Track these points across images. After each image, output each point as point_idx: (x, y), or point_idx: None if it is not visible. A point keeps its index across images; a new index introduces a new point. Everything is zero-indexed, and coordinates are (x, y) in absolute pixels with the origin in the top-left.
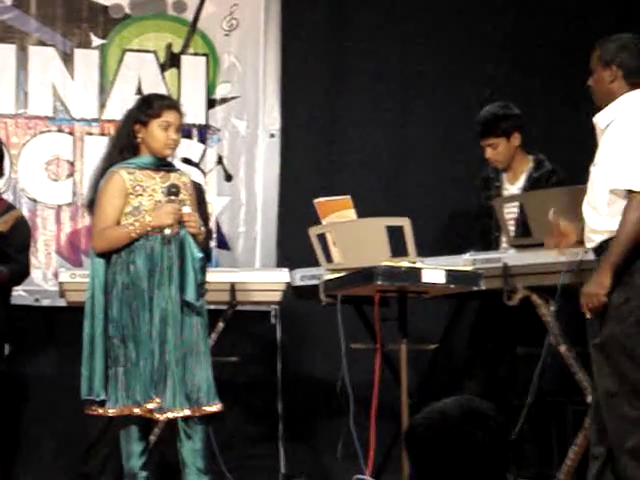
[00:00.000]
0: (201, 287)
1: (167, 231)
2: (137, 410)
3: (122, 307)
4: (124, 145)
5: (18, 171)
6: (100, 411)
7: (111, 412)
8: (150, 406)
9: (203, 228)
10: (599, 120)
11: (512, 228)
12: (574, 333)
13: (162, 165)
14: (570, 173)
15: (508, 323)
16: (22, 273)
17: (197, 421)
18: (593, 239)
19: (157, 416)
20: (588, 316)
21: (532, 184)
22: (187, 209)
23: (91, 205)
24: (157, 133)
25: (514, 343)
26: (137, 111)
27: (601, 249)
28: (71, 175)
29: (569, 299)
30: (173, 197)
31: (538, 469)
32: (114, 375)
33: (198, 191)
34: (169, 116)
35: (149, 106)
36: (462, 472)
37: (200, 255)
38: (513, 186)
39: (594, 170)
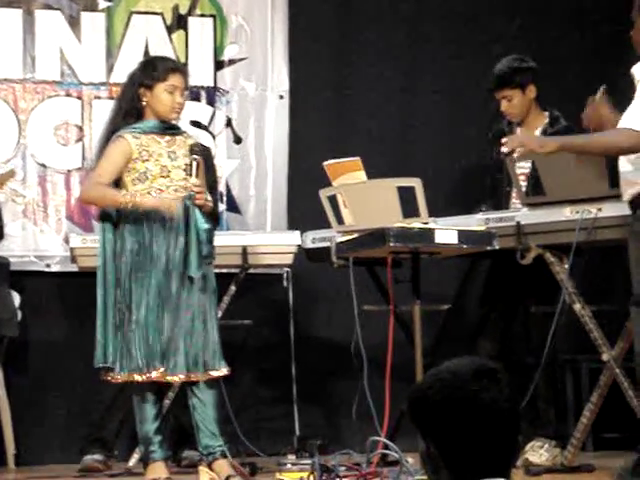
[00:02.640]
0: (207, 257)
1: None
2: (142, 377)
3: (130, 273)
4: (128, 109)
5: (27, 136)
6: (116, 378)
7: (118, 378)
8: (154, 374)
9: (209, 198)
10: (636, 72)
11: (523, 184)
12: (588, 291)
13: (167, 129)
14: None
15: (521, 282)
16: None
17: (207, 385)
18: (628, 192)
19: (168, 379)
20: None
21: None
22: (194, 180)
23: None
24: (163, 97)
25: (527, 302)
26: (141, 74)
27: (636, 202)
28: (80, 140)
29: (583, 256)
30: (195, 156)
31: (554, 428)
32: (121, 342)
33: (207, 155)
34: (175, 79)
35: (154, 69)
36: (483, 431)
37: (206, 226)
38: None
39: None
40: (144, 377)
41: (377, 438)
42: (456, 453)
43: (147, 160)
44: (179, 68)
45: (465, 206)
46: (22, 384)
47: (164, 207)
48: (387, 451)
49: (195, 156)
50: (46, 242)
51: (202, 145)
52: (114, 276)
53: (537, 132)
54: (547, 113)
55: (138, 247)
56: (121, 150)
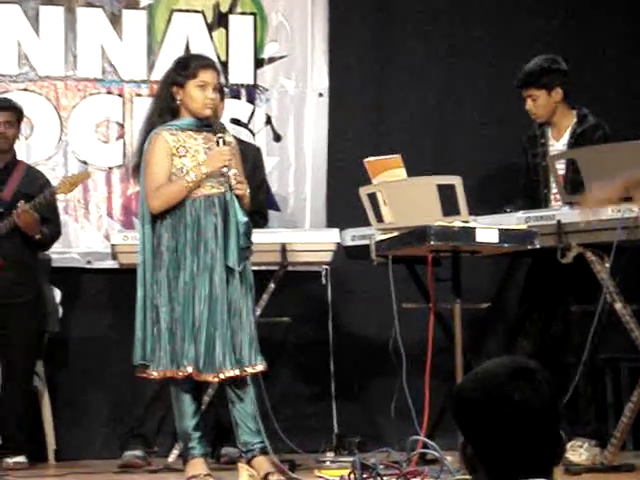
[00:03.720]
0: (245, 251)
1: (225, 170)
2: (176, 374)
3: (168, 270)
4: (163, 108)
5: (68, 133)
6: (151, 374)
7: (155, 375)
8: (189, 371)
9: (248, 191)
10: None
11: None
12: (629, 290)
13: (205, 126)
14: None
15: (561, 281)
16: (58, 232)
17: (246, 382)
18: None
19: (203, 377)
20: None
21: (576, 139)
22: (233, 171)
23: (137, 169)
24: (194, 93)
25: (568, 301)
26: (174, 73)
27: None
28: (121, 137)
29: (624, 255)
30: (220, 134)
31: (594, 427)
32: (158, 338)
33: (256, 154)
34: (205, 75)
35: (185, 67)
36: (517, 430)
37: (245, 219)
38: (558, 142)
39: None
40: (179, 374)
41: (417, 437)
42: (491, 452)
43: (184, 156)
44: (210, 64)
45: (501, 205)
46: (63, 380)
47: (216, 168)
48: (427, 450)
49: (220, 134)
50: (87, 239)
51: (251, 145)
52: (152, 273)
53: (567, 132)
54: (575, 112)
55: (175, 244)
56: (161, 148)
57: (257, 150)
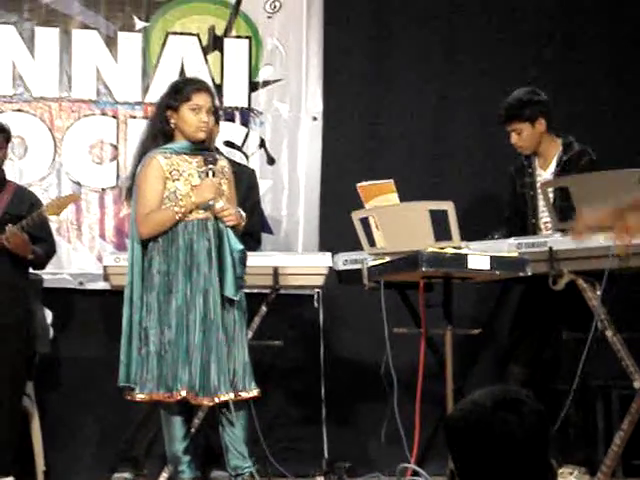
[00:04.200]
0: (240, 280)
1: (211, 202)
2: (163, 398)
3: (159, 293)
4: (157, 132)
5: (62, 154)
6: (138, 397)
7: (139, 398)
8: (183, 393)
9: (243, 214)
10: None
11: (546, 213)
12: (621, 318)
13: (199, 149)
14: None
15: (553, 307)
16: (53, 250)
17: (237, 406)
18: None
19: (195, 401)
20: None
21: (563, 167)
22: (220, 204)
23: (130, 192)
24: (188, 117)
25: (559, 327)
26: (167, 97)
27: None
28: (115, 158)
29: (615, 283)
30: (211, 166)
31: (584, 454)
32: (145, 361)
33: (251, 176)
34: (199, 99)
35: (178, 91)
36: (500, 460)
37: (239, 247)
38: (546, 172)
39: None
40: (170, 398)
41: (407, 465)
42: None
43: (177, 180)
44: (203, 87)
45: (491, 231)
46: (53, 401)
47: (205, 200)
48: (416, 477)
49: (210, 166)
50: (79, 260)
51: (246, 167)
52: (141, 296)
53: (553, 161)
54: (560, 140)
55: (167, 267)
56: (154, 171)
57: (252, 172)
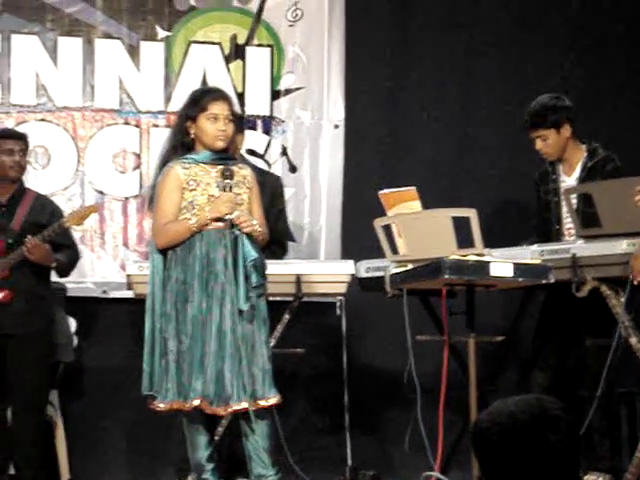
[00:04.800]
0: (258, 288)
1: (228, 216)
2: (184, 407)
3: (176, 302)
4: (177, 143)
5: (85, 164)
6: (159, 406)
7: (161, 407)
8: (196, 402)
9: (258, 228)
10: None
11: (569, 219)
12: None
13: (220, 159)
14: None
15: (576, 314)
16: (77, 257)
17: (259, 415)
18: None
19: (211, 410)
20: (636, 282)
21: (587, 173)
22: (236, 213)
23: (152, 203)
24: (206, 126)
25: (582, 334)
26: (186, 108)
27: None
28: (138, 167)
29: (639, 290)
30: (228, 180)
31: (609, 461)
32: (165, 370)
33: (276, 183)
34: (215, 107)
35: (196, 101)
36: (535, 475)
37: (254, 256)
38: (570, 177)
39: None
40: (186, 406)
41: (431, 473)
42: None
43: (194, 189)
44: (220, 96)
45: (518, 237)
46: (77, 409)
47: (221, 214)
48: None
49: (227, 181)
50: (103, 269)
51: (272, 174)
52: (161, 305)
53: (578, 167)
54: (585, 146)
55: (184, 276)
56: (172, 182)
57: (276, 179)
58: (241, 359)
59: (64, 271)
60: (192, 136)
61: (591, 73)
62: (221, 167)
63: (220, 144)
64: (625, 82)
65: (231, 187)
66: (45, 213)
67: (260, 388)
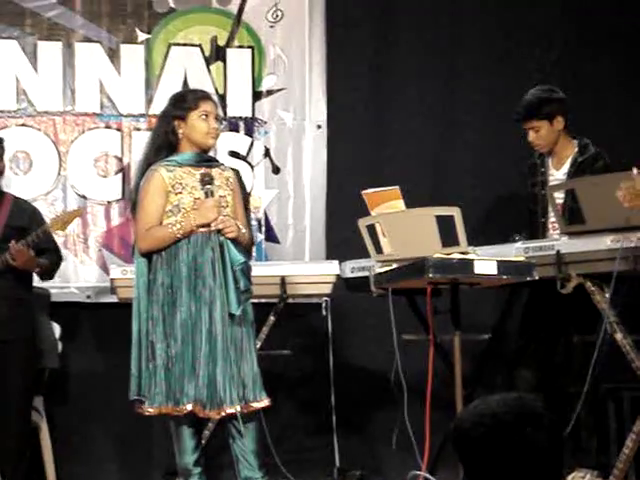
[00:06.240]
0: (245, 292)
1: (213, 224)
2: (172, 411)
3: (163, 305)
4: (161, 144)
5: (67, 168)
6: (147, 410)
7: (150, 411)
8: (187, 408)
9: (243, 229)
10: None
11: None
12: (630, 320)
13: (203, 161)
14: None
15: (561, 311)
16: (60, 259)
17: (247, 417)
18: None
19: (203, 414)
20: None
21: (577, 168)
22: (220, 218)
23: (134, 207)
24: (198, 124)
25: (568, 331)
26: (173, 108)
27: None
28: (120, 171)
29: (624, 285)
30: (208, 186)
31: (596, 458)
32: (153, 374)
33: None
34: (206, 106)
35: (184, 100)
36: (519, 473)
37: (241, 259)
38: (558, 171)
39: None
40: (175, 411)
41: (417, 472)
42: None
43: (180, 193)
44: (208, 96)
45: (503, 234)
46: (63, 415)
47: (208, 221)
48: None
49: (208, 186)
50: (86, 273)
51: (232, 169)
52: (147, 309)
53: (567, 161)
54: (576, 141)
55: (170, 280)
56: (156, 187)
57: (236, 172)
58: (232, 362)
59: (47, 274)
60: (180, 135)
61: (574, 71)
62: (200, 173)
63: (212, 142)
64: (610, 79)
65: (212, 192)
66: (24, 216)
67: (251, 391)
